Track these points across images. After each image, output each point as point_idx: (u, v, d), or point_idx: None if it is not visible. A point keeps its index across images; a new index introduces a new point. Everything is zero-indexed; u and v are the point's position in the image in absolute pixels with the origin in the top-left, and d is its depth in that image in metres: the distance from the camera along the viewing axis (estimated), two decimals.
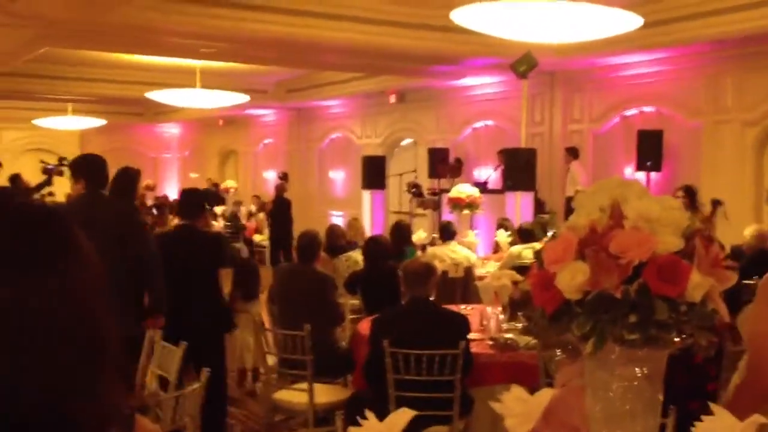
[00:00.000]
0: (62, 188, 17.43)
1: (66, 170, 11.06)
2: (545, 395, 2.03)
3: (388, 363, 3.84)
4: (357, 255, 7.29)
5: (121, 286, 4.19)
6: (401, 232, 7.37)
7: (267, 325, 6.11)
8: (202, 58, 11.70)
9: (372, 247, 6.07)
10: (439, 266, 6.37)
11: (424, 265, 4.19)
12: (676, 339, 1.43)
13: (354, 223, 8.53)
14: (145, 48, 11.27)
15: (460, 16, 7.39)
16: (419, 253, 7.49)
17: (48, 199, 10.34)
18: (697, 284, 1.39)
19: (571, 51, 9.63)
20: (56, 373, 1.01)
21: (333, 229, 7.72)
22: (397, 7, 9.49)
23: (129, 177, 4.67)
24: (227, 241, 7.06)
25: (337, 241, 7.43)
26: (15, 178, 12.32)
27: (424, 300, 4.07)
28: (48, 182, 10.51)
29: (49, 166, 11.11)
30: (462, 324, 4.01)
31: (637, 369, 1.45)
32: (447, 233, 7.15)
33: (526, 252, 7.20)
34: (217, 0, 8.73)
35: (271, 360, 5.46)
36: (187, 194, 5.93)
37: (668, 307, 1.37)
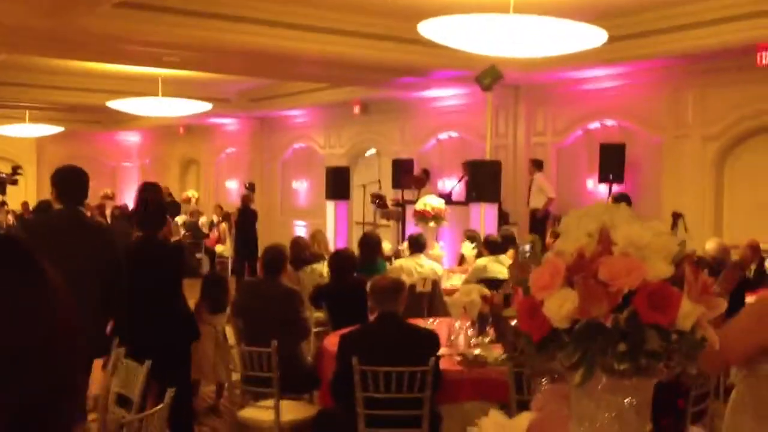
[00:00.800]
0: (16, 197, 17.19)
1: (20, 179, 10.93)
2: (523, 420, 2.00)
3: (356, 380, 3.79)
4: (321, 267, 7.22)
5: (94, 309, 4.12)
6: (371, 244, 7.33)
7: (231, 339, 6.04)
8: (165, 66, 11.56)
9: (337, 260, 6.01)
10: (407, 280, 6.34)
11: (392, 281, 4.15)
12: (665, 368, 1.40)
13: (318, 234, 8.45)
14: (108, 56, 11.10)
15: (426, 29, 7.38)
16: (388, 265, 7.45)
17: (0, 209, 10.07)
18: (688, 312, 1.36)
19: (535, 64, 9.69)
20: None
21: (297, 241, 7.65)
22: (364, 17, 9.47)
23: (80, 179, 4.49)
24: (189, 250, 6.95)
25: (302, 253, 7.35)
26: None
27: (393, 316, 4.02)
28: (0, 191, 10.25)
29: (2, 175, 10.83)
30: (432, 340, 3.97)
31: (625, 399, 1.42)
32: (417, 246, 7.11)
33: (492, 265, 7.20)
34: (182, 9, 8.62)
35: (235, 375, 5.39)
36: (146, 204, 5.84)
37: (659, 335, 1.34)
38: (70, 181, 4.38)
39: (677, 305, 1.35)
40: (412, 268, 6.85)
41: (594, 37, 7.32)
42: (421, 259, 7.01)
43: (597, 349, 1.36)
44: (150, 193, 5.99)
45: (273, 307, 5.02)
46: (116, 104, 13.33)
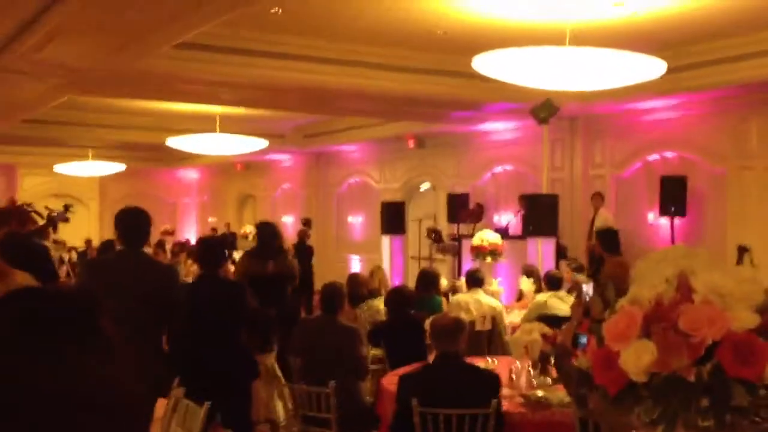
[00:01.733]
0: (79, 234, 17.56)
1: (71, 216, 11.12)
2: None
3: (416, 423, 3.71)
4: (378, 303, 7.17)
5: (155, 349, 4.16)
6: (429, 279, 7.27)
7: (279, 377, 6.01)
8: (222, 104, 11.75)
9: (394, 297, 5.95)
10: (465, 316, 6.25)
11: (453, 321, 4.07)
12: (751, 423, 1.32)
13: (377, 271, 8.42)
14: (167, 95, 11.34)
15: (480, 64, 7.34)
16: (444, 301, 7.36)
17: (54, 246, 10.22)
18: None
19: (592, 97, 9.56)
20: None
21: (354, 278, 7.61)
22: (417, 53, 9.49)
23: (142, 222, 4.53)
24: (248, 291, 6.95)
25: (359, 290, 7.31)
26: None
27: (454, 356, 3.94)
28: (50, 228, 10.40)
29: (54, 213, 11.03)
30: (493, 381, 3.88)
31: None
32: (474, 281, 7.02)
33: (552, 300, 7.06)
34: (237, 48, 8.75)
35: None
36: (206, 243, 5.90)
37: (746, 390, 1.26)
38: (131, 224, 4.44)
39: (765, 358, 1.27)
40: (470, 304, 6.75)
41: (653, 68, 7.19)
42: (480, 294, 6.90)
43: (678, 404, 1.28)
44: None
45: (332, 345, 4.98)
46: (175, 142, 13.56)
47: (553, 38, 7.05)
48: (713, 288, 1.31)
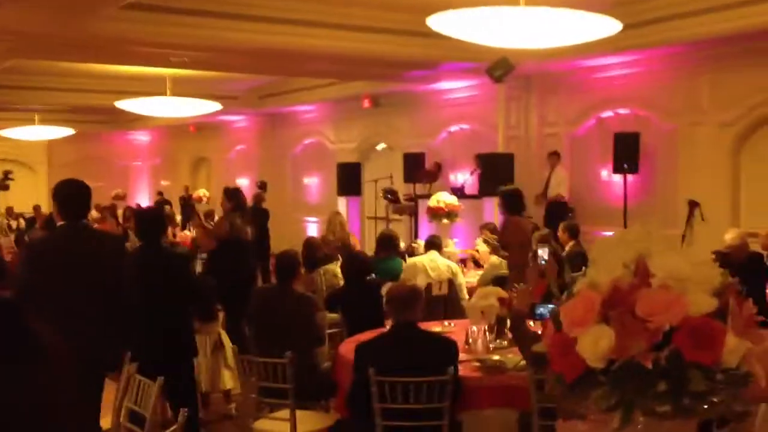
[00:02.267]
0: (29, 198, 17.19)
1: (11, 184, 10.82)
2: None
3: (374, 392, 3.70)
4: (334, 267, 7.15)
5: (104, 323, 4.07)
6: (388, 241, 7.28)
7: (226, 345, 5.96)
8: (173, 67, 11.48)
9: (351, 264, 5.92)
10: (422, 279, 6.25)
11: (410, 290, 4.05)
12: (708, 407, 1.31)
13: (335, 217, 8.35)
14: (116, 58, 11.05)
15: (436, 22, 7.25)
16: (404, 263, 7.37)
17: None
18: (734, 348, 1.27)
19: (546, 54, 9.53)
20: None
21: (310, 242, 7.56)
22: (371, 12, 9.35)
23: (80, 195, 4.38)
24: (192, 260, 6.87)
25: (315, 255, 7.27)
26: None
27: (410, 325, 3.93)
28: None
29: None
30: (450, 348, 3.88)
31: None
32: (433, 245, 7.01)
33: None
34: (187, 9, 8.54)
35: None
36: (143, 216, 5.82)
37: (703, 375, 1.25)
38: (70, 197, 4.30)
39: (722, 342, 1.26)
40: (427, 265, 6.74)
41: (607, 27, 7.17)
42: (436, 255, 6.90)
43: (635, 390, 1.26)
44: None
45: (287, 314, 4.94)
46: (125, 105, 13.26)
47: None
48: (670, 272, 1.29)
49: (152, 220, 5.51)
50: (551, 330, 1.37)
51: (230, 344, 6.12)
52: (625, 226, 9.92)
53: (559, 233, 8.37)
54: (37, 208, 15.70)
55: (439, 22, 7.26)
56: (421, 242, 7.77)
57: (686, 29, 8.83)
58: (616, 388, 1.27)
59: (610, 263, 1.36)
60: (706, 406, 1.27)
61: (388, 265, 7.08)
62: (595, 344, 1.28)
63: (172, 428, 2.80)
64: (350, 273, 5.84)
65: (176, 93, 12.87)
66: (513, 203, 6.86)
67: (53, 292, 4.00)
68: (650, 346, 1.26)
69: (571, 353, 1.31)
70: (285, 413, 4.35)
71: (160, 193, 19.91)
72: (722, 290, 1.31)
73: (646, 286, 1.30)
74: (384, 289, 5.80)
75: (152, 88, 13.13)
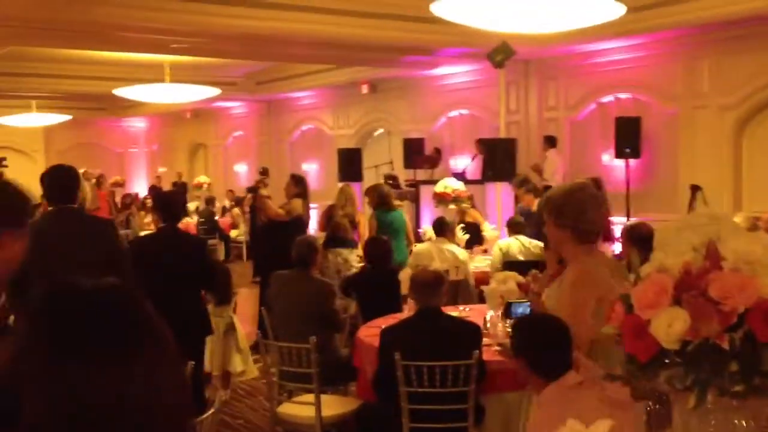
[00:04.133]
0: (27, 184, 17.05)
1: (5, 171, 10.74)
2: (601, 428, 1.94)
3: (399, 376, 3.75)
4: (348, 254, 7.21)
5: None
6: (385, 196, 7.52)
7: (238, 329, 6.02)
8: (171, 53, 11.45)
9: (375, 249, 5.92)
10: (430, 266, 6.28)
11: (434, 275, 4.09)
12: None
13: (347, 189, 8.44)
14: (114, 45, 11.00)
15: (439, 8, 7.26)
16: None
17: None
18: None
19: (547, 39, 9.55)
20: None
21: (336, 222, 7.65)
22: None
23: (66, 179, 4.37)
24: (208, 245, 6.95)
25: (337, 234, 7.37)
26: None
27: (435, 310, 3.98)
28: None
29: None
30: (475, 332, 3.93)
31: (735, 420, 1.37)
32: (441, 230, 7.04)
33: (514, 244, 7.15)
34: None
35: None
36: (164, 196, 5.82)
37: None
38: (55, 182, 4.31)
39: None
40: (434, 253, 6.77)
41: (611, 11, 7.19)
42: (444, 243, 6.93)
43: (712, 370, 1.31)
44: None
45: (305, 301, 4.98)
46: (123, 92, 13.22)
47: None
48: (742, 255, 1.33)
49: (174, 203, 5.56)
50: (622, 312, 1.41)
51: (242, 328, 6.18)
52: (628, 211, 10.01)
53: (521, 193, 8.74)
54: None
55: (442, 8, 7.26)
56: (427, 228, 7.80)
57: (686, 13, 8.86)
58: (691, 368, 1.31)
59: (679, 247, 1.40)
60: None
61: (387, 217, 7.45)
62: (669, 326, 1.32)
63: (210, 411, 2.84)
64: (375, 258, 5.85)
65: (174, 79, 12.84)
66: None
67: (43, 276, 4.02)
68: (723, 328, 1.30)
69: (645, 335, 1.35)
70: (308, 398, 4.40)
71: (158, 177, 19.86)
72: None
73: (717, 269, 1.34)
74: (401, 275, 5.86)
75: (150, 74, 13.09)
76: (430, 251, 6.90)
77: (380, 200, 7.70)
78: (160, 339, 0.99)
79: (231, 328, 6.07)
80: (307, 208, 7.97)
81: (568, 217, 3.00)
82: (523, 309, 4.24)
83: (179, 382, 1.01)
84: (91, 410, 0.91)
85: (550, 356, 2.72)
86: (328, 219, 7.96)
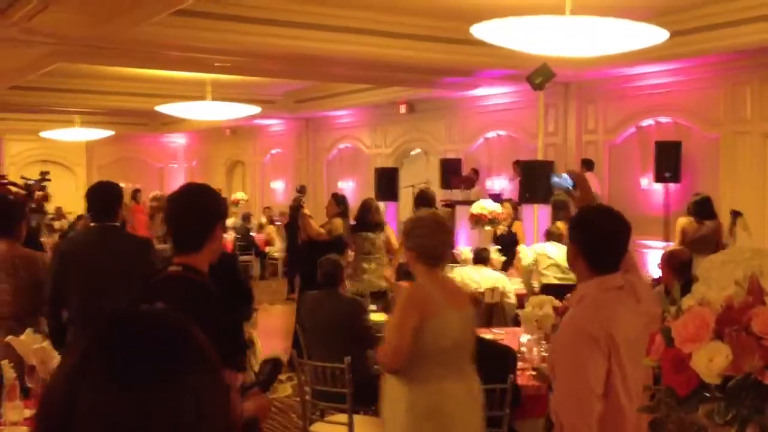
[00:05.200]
0: (68, 198, 17.40)
1: (49, 185, 10.97)
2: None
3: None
4: (375, 236, 7.37)
5: None
6: (428, 198, 7.56)
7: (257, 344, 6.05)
8: (213, 72, 11.63)
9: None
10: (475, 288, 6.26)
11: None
12: None
13: (371, 201, 8.54)
14: (157, 63, 11.20)
15: (479, 31, 7.28)
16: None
17: (33, 215, 10.02)
18: None
19: (587, 62, 9.52)
20: None
21: (366, 203, 7.78)
22: (410, 18, 9.39)
23: (109, 196, 4.46)
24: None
25: (368, 217, 7.48)
26: None
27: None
28: (29, 197, 10.25)
29: (30, 182, 10.87)
30: (510, 357, 3.91)
31: None
32: (480, 259, 7.01)
33: (549, 247, 7.16)
34: (226, 14, 8.62)
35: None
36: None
37: None
38: (98, 199, 4.43)
39: None
40: (472, 279, 6.72)
41: (653, 35, 7.16)
42: (481, 270, 6.88)
43: (750, 406, 1.30)
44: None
45: (336, 319, 5.00)
46: (165, 108, 13.44)
47: (554, 6, 6.99)
48: None
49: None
50: (662, 345, 1.41)
51: (260, 343, 6.21)
52: (667, 236, 9.89)
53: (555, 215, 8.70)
54: (77, 222, 15.89)
55: (483, 31, 7.29)
56: (464, 249, 7.79)
57: (729, 39, 8.78)
58: (732, 404, 1.30)
59: (721, 281, 1.39)
60: None
61: None
62: (711, 361, 1.31)
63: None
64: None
65: (215, 97, 13.02)
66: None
67: (81, 291, 4.14)
68: (766, 364, 1.29)
69: (685, 369, 1.34)
70: (340, 417, 4.40)
71: None
72: None
73: (760, 304, 1.33)
74: None
75: (192, 91, 13.29)
76: (468, 275, 6.87)
77: (424, 202, 7.72)
78: (211, 364, 1.01)
79: (250, 343, 6.09)
80: (347, 228, 8.03)
81: (412, 240, 3.44)
82: (560, 179, 3.78)
83: (227, 406, 1.03)
84: None
85: (606, 249, 2.69)
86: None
